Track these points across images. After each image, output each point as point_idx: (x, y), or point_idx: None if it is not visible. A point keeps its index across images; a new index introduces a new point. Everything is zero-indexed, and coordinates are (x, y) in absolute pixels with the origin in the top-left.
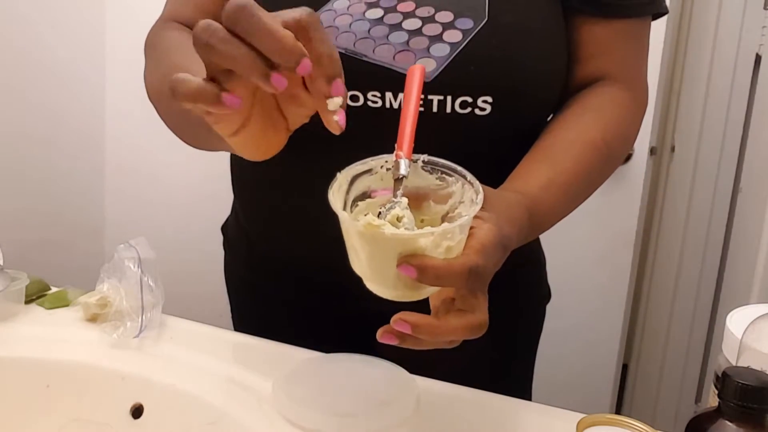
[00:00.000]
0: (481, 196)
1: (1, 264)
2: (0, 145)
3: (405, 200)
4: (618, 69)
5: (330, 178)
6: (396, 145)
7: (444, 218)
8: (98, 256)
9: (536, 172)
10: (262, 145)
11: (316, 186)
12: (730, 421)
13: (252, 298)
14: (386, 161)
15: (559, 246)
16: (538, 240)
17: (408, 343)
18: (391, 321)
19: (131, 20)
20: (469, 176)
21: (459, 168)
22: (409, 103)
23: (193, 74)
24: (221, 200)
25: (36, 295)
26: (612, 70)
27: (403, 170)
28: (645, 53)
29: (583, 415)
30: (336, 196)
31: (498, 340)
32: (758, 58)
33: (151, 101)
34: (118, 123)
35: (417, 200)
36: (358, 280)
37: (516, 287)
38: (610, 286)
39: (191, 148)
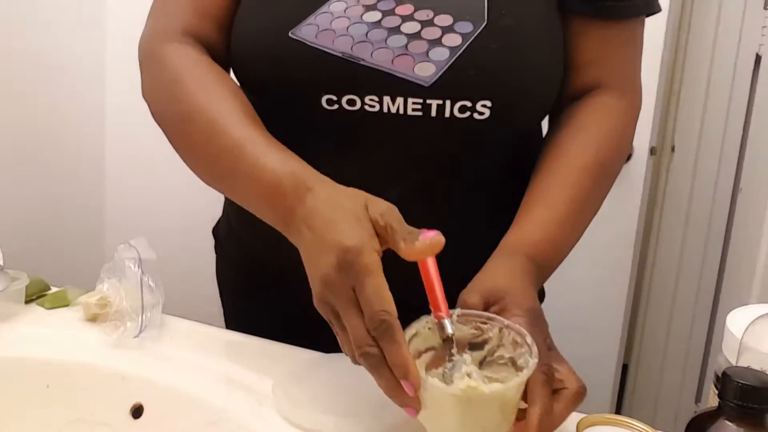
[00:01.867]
0: (535, 350)
1: (1, 264)
2: (0, 145)
3: (469, 357)
4: (614, 77)
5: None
6: (431, 308)
7: (482, 363)
8: (98, 256)
9: (535, 218)
10: None
11: None
12: (730, 421)
13: (247, 302)
14: (426, 322)
15: None
16: None
17: None
18: None
19: (131, 20)
20: (507, 322)
21: (494, 316)
22: (429, 267)
23: (214, 113)
24: (222, 200)
25: (36, 295)
26: (608, 78)
27: (449, 329)
28: (640, 54)
29: (583, 415)
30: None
31: None
32: (758, 58)
33: (156, 120)
34: (119, 123)
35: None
36: None
37: None
38: (610, 286)
39: None
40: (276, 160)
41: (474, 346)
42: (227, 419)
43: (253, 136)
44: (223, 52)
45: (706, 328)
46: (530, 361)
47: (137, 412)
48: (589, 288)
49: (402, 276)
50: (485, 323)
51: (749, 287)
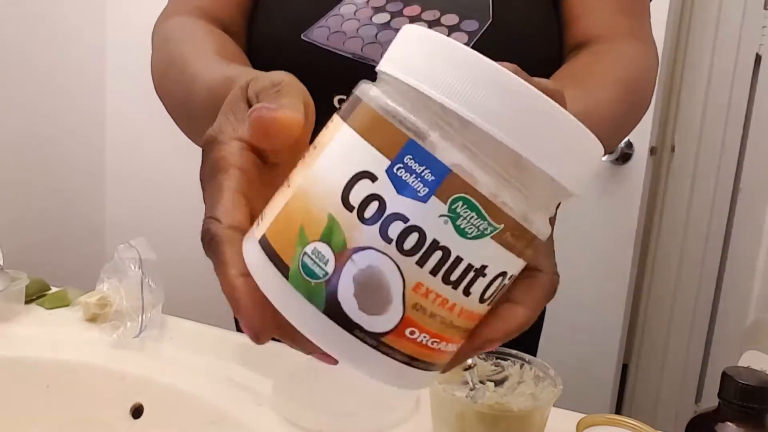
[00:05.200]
0: (559, 380)
1: (1, 264)
2: (0, 146)
3: (492, 385)
4: (614, 27)
5: None
6: None
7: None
8: (98, 256)
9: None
10: None
11: None
12: (730, 421)
13: None
14: None
15: (559, 246)
16: None
17: None
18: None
19: (132, 21)
20: (528, 357)
21: (515, 351)
22: None
23: (189, 60)
24: None
25: (36, 295)
26: (604, 29)
27: (470, 359)
28: (644, 11)
29: (583, 415)
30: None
31: None
32: (758, 58)
33: (155, 89)
34: (119, 123)
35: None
36: None
37: None
38: (610, 286)
39: (191, 148)
40: (217, 70)
41: (494, 382)
42: (227, 419)
43: (212, 64)
44: (242, 34)
45: (706, 328)
46: (554, 391)
47: (137, 412)
48: (589, 288)
49: None
50: (505, 359)
51: (749, 287)
